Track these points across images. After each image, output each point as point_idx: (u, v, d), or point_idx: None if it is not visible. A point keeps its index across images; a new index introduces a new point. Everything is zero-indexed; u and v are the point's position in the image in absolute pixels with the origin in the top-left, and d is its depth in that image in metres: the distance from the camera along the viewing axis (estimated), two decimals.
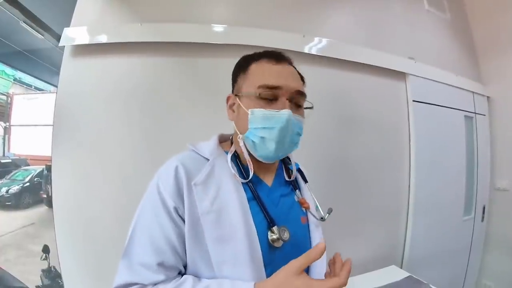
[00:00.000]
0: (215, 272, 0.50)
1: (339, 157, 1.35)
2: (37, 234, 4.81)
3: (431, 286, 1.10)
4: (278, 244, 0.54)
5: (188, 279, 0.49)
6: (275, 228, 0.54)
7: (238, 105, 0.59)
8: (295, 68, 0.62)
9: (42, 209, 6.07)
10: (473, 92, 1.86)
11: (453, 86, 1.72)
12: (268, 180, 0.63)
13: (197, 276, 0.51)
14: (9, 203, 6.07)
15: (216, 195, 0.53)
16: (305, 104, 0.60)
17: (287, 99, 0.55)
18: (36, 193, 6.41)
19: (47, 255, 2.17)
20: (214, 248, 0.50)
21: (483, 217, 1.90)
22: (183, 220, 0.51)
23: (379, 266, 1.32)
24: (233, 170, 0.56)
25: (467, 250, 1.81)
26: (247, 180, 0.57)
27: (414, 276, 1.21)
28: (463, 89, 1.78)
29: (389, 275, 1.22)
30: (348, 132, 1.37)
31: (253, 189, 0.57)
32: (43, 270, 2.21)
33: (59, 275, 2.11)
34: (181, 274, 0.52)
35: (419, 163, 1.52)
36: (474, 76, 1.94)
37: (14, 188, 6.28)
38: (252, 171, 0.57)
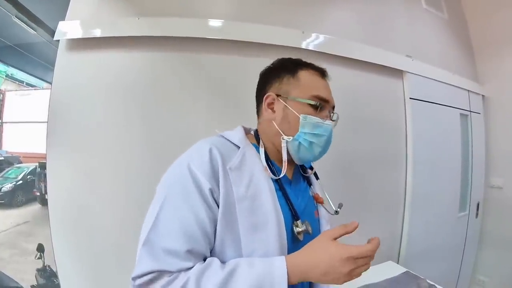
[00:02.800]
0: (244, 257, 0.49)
1: (336, 153, 1.35)
2: (30, 232, 4.75)
3: (427, 281, 1.11)
4: (301, 237, 0.56)
5: (214, 261, 0.47)
6: (299, 222, 0.56)
7: (283, 107, 0.60)
8: None
9: (36, 207, 5.99)
10: (468, 90, 1.88)
11: (449, 84, 1.74)
12: (289, 174, 0.65)
13: (223, 260, 0.49)
14: (2, 201, 5.98)
15: (250, 182, 0.53)
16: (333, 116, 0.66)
17: (330, 112, 0.62)
18: (29, 191, 6.32)
19: (42, 254, 2.14)
20: (246, 235, 0.50)
21: (477, 214, 1.93)
22: (217, 204, 0.50)
23: (376, 262, 1.33)
24: (264, 163, 0.57)
25: (461, 246, 1.85)
26: (278, 177, 0.58)
27: (411, 272, 1.23)
28: (459, 87, 1.80)
29: (386, 271, 1.23)
30: (346, 129, 1.37)
31: (280, 181, 0.59)
32: (38, 269, 2.18)
33: (54, 274, 2.09)
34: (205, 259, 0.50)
35: (416, 160, 1.53)
36: (470, 75, 1.96)
37: (7, 186, 6.18)
38: (285, 170, 0.58)
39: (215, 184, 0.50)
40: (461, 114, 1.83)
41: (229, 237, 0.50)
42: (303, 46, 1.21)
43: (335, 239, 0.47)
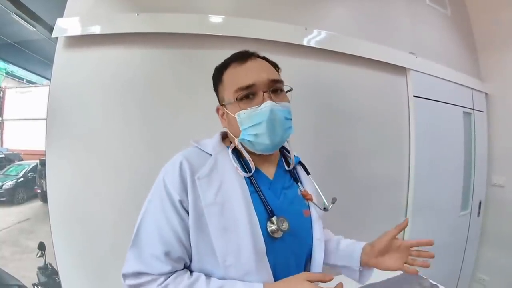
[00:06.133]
0: (220, 263, 0.52)
1: (339, 151, 1.35)
2: (32, 229, 4.76)
3: (430, 281, 1.11)
4: (278, 234, 0.56)
5: (201, 277, 0.52)
6: (274, 219, 0.56)
7: (226, 113, 0.62)
8: (265, 58, 0.64)
9: (37, 204, 6.00)
10: (472, 88, 1.86)
11: (452, 82, 1.72)
12: (270, 172, 0.64)
13: (203, 268, 0.54)
14: (3, 199, 5.98)
15: (219, 187, 0.55)
16: (285, 88, 0.62)
17: (264, 92, 0.57)
18: (30, 188, 6.33)
19: (43, 252, 2.14)
20: (217, 238, 0.52)
21: (479, 213, 1.93)
22: (188, 213, 0.53)
23: None
24: (235, 163, 0.59)
25: (463, 244, 1.85)
26: (249, 175, 0.59)
27: None
28: (462, 85, 1.79)
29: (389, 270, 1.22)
30: (348, 127, 1.36)
31: (254, 182, 0.59)
32: (39, 268, 2.19)
33: (55, 272, 2.09)
34: (186, 266, 0.55)
35: (419, 159, 1.52)
36: (473, 72, 1.94)
37: (8, 184, 6.18)
38: (253, 166, 0.60)
39: (185, 195, 0.54)
40: (464, 112, 1.82)
41: (203, 241, 0.53)
42: (306, 42, 1.19)
43: (311, 281, 0.50)
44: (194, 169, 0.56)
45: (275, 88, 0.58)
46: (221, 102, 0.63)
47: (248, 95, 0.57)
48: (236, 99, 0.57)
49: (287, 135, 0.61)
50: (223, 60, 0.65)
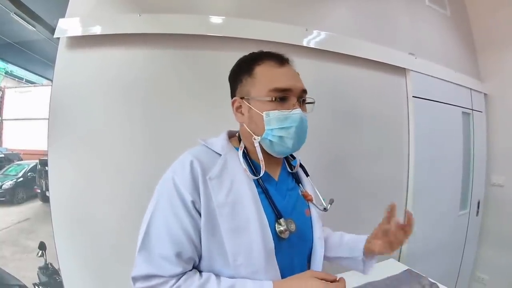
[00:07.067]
0: (230, 262, 0.52)
1: (338, 151, 1.35)
2: (32, 229, 4.77)
3: (429, 279, 1.11)
4: (285, 235, 0.57)
5: (211, 277, 0.52)
6: (282, 220, 0.57)
7: (248, 108, 0.61)
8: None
9: (37, 204, 6.00)
10: (471, 89, 1.87)
11: (452, 82, 1.73)
12: (275, 174, 0.66)
13: (212, 268, 0.54)
14: (3, 198, 5.98)
15: (230, 188, 0.56)
16: (307, 100, 0.64)
17: (296, 100, 0.59)
18: (30, 188, 6.32)
19: (43, 252, 2.14)
20: (229, 238, 0.53)
21: (477, 212, 1.94)
22: (199, 214, 0.53)
23: (378, 260, 1.33)
24: (244, 165, 0.59)
25: (462, 243, 1.85)
26: (258, 177, 0.59)
27: (413, 270, 1.23)
28: (461, 85, 1.79)
29: (388, 269, 1.23)
30: (348, 127, 1.37)
31: (262, 183, 0.60)
32: (40, 268, 2.19)
33: (56, 272, 2.10)
34: (195, 265, 0.55)
35: (418, 159, 1.53)
36: (472, 73, 1.95)
37: (8, 184, 6.18)
38: (264, 169, 0.59)
39: (196, 195, 0.53)
40: (463, 113, 1.82)
41: (214, 241, 0.53)
42: (306, 43, 1.20)
43: (318, 278, 0.52)
44: (204, 169, 0.55)
45: (303, 99, 0.61)
46: (244, 95, 0.61)
47: (283, 97, 0.58)
48: (272, 99, 0.57)
49: (302, 144, 0.63)
50: (248, 54, 0.65)
